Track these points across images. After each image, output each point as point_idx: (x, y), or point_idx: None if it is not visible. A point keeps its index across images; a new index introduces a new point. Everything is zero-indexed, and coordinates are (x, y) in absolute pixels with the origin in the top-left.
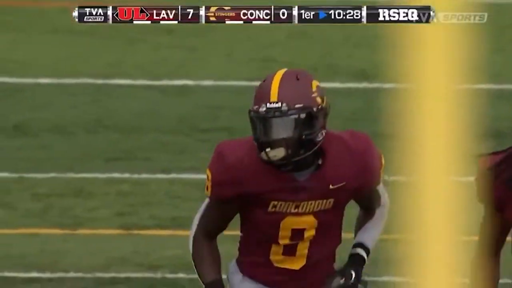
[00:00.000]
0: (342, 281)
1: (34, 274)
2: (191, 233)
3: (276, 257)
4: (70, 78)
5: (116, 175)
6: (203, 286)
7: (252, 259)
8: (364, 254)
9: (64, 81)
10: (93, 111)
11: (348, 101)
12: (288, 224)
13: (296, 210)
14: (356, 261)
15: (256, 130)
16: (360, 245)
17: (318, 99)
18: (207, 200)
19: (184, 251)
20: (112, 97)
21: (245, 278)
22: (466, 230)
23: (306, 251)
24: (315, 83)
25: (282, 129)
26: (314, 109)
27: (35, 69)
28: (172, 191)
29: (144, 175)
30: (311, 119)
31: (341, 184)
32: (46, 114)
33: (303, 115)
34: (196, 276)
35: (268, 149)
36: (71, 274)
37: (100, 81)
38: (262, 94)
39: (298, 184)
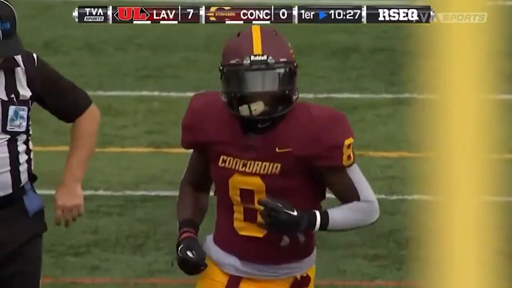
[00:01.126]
0: (276, 204)
1: None
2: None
3: (239, 223)
4: None
5: (145, 93)
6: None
7: (220, 225)
8: (319, 218)
9: None
10: (123, 29)
11: None
12: (236, 182)
13: (243, 169)
14: (306, 213)
15: (232, 84)
16: (323, 212)
17: (294, 56)
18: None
19: None
20: None
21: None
22: (495, 147)
23: None
24: (287, 41)
25: (267, 83)
26: (294, 64)
27: None
28: None
29: (173, 93)
30: (291, 75)
31: (287, 149)
32: (76, 31)
33: (287, 70)
34: None
35: (249, 104)
36: (101, 192)
37: None
38: (242, 47)
39: (248, 142)
